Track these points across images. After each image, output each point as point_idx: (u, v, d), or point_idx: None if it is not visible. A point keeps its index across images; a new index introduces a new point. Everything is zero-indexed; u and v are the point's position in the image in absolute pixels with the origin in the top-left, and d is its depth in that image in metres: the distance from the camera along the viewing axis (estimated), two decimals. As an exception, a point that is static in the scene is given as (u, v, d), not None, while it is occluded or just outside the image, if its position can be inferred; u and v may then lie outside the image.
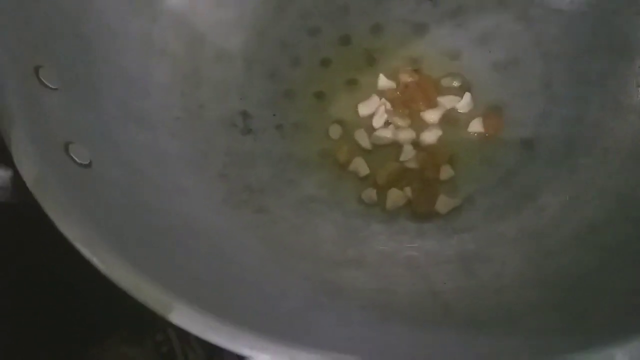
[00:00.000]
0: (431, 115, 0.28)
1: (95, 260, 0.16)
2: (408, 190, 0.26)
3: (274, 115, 0.29)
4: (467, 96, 0.28)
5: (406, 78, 0.29)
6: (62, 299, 0.28)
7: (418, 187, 0.26)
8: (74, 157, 0.20)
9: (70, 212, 0.17)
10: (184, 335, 0.37)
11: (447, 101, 0.28)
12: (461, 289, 0.22)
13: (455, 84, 0.28)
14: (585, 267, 0.21)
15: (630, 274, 0.20)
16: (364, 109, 0.29)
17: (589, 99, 0.26)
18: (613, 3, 0.27)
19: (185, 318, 0.15)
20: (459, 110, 0.28)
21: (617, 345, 0.14)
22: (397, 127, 0.28)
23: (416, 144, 0.28)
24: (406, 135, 0.28)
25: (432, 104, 0.28)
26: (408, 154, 0.27)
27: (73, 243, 0.16)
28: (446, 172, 0.27)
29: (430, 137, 0.28)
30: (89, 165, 0.21)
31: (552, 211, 0.24)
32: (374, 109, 0.28)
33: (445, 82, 0.29)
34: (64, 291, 0.28)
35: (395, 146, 0.28)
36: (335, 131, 0.28)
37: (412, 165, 0.27)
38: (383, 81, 0.29)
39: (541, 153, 0.26)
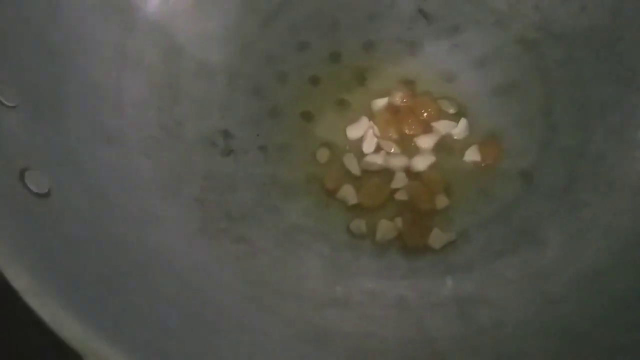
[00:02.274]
0: (425, 141, 0.26)
1: (42, 314, 0.14)
2: (399, 221, 0.25)
3: (257, 135, 0.27)
4: (463, 122, 0.26)
5: (399, 100, 0.27)
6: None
7: (410, 218, 0.25)
8: (30, 186, 0.18)
9: (20, 259, 0.15)
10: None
11: (442, 126, 0.27)
12: (458, 336, 0.21)
13: (451, 109, 0.27)
14: (589, 317, 0.19)
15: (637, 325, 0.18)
16: (353, 132, 0.27)
17: (591, 130, 0.25)
18: (618, 30, 0.26)
19: None
20: (454, 137, 0.26)
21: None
22: (388, 153, 0.26)
23: (409, 171, 0.26)
24: (398, 162, 0.26)
25: (426, 129, 0.27)
26: (400, 181, 0.26)
27: (21, 295, 0.14)
28: (441, 202, 0.25)
29: (423, 163, 0.26)
30: (46, 195, 0.18)
31: (553, 250, 0.23)
32: (363, 132, 0.27)
33: (440, 105, 0.27)
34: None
35: (387, 173, 0.26)
36: (322, 155, 0.26)
37: (403, 195, 0.25)
38: (376, 104, 0.27)
39: (541, 186, 0.25)
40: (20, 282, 0.14)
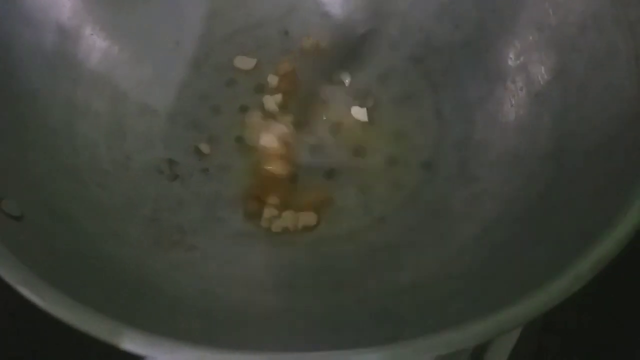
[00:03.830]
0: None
1: (35, 299, 0.17)
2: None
3: (199, 160, 0.31)
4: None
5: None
6: None
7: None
8: (5, 210, 0.21)
9: (7, 260, 0.18)
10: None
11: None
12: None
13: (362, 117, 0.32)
14: (480, 260, 0.24)
15: (512, 265, 0.23)
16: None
17: (473, 121, 0.30)
18: (484, 39, 0.32)
19: (136, 342, 0.17)
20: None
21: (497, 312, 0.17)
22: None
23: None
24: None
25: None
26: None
27: (15, 287, 0.17)
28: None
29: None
30: (20, 218, 0.22)
31: (454, 221, 0.27)
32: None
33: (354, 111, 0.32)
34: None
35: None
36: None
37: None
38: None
39: (439, 172, 0.30)
40: (11, 277, 0.18)
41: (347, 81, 0.33)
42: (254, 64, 0.34)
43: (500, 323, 0.17)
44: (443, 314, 0.22)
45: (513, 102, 0.29)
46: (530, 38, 0.30)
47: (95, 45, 0.31)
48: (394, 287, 0.25)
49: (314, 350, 0.16)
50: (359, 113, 0.32)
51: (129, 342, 0.17)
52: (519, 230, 0.25)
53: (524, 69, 0.30)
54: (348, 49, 0.34)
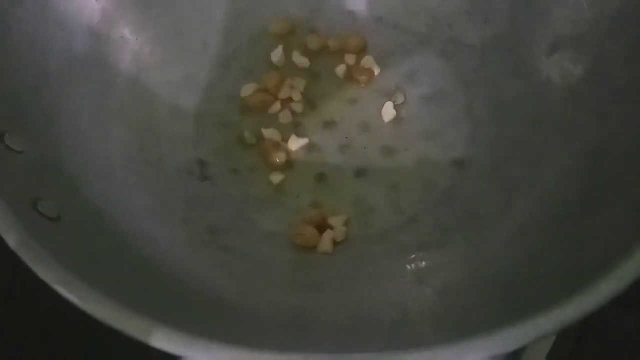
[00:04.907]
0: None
1: (72, 298, 0.17)
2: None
3: (228, 160, 0.31)
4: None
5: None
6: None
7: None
8: (42, 212, 0.22)
9: (45, 261, 0.19)
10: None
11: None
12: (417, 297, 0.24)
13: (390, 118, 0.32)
14: (516, 262, 0.23)
15: (550, 266, 0.22)
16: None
17: (506, 118, 0.30)
18: (517, 34, 0.31)
19: (165, 340, 0.17)
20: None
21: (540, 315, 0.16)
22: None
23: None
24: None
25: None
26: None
27: (52, 286, 0.18)
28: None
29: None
30: (57, 219, 0.22)
31: (488, 219, 0.27)
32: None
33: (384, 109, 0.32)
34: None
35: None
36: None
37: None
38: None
39: (472, 170, 0.29)
40: (48, 277, 0.18)
41: (376, 74, 0.33)
42: (283, 63, 0.34)
43: (538, 328, 0.17)
44: (476, 319, 0.21)
45: (548, 99, 0.29)
46: (565, 32, 0.29)
47: (126, 48, 0.32)
48: (427, 289, 0.25)
49: (353, 352, 0.16)
50: (389, 111, 0.32)
51: (165, 342, 0.17)
52: (556, 230, 0.24)
53: (559, 65, 0.29)
54: (376, 47, 0.34)
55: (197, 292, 0.24)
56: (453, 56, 0.32)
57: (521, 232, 0.25)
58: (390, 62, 0.33)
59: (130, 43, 0.32)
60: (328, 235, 0.28)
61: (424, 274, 0.26)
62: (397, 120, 0.32)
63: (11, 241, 0.19)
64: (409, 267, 0.27)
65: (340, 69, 0.33)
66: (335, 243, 0.28)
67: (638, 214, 0.20)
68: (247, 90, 0.33)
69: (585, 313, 0.17)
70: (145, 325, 0.17)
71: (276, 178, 0.30)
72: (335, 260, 0.28)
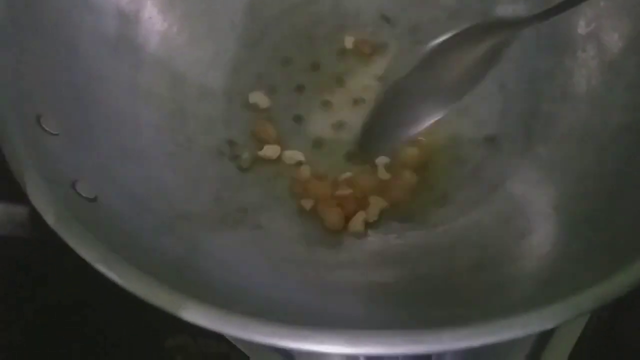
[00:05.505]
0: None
1: (112, 275, 0.18)
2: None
3: (257, 140, 0.31)
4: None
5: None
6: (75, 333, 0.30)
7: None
8: (81, 193, 0.22)
9: (86, 239, 0.19)
10: (191, 358, 0.38)
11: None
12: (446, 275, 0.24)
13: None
14: (555, 238, 0.23)
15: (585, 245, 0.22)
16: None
17: (541, 93, 0.29)
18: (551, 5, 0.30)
19: (195, 314, 0.17)
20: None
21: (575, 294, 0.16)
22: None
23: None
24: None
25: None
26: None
27: (93, 264, 0.18)
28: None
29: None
30: (94, 200, 0.22)
31: (519, 197, 0.27)
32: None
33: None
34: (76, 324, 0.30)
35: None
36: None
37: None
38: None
39: (503, 147, 0.29)
40: (89, 255, 0.18)
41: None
42: (309, 42, 0.33)
43: (578, 305, 0.16)
44: (508, 296, 0.21)
45: (584, 73, 0.28)
46: (602, 3, 0.28)
47: (154, 28, 0.32)
48: (459, 266, 0.25)
49: (395, 327, 0.16)
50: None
51: (201, 318, 0.18)
52: (592, 208, 0.24)
53: (595, 37, 0.28)
54: (406, 21, 0.33)
55: (232, 270, 0.24)
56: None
57: (555, 210, 0.25)
58: (420, 37, 0.33)
59: (158, 23, 0.32)
60: (360, 216, 0.28)
61: (454, 252, 0.26)
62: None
63: (50, 219, 0.20)
64: (437, 243, 0.27)
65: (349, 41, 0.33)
66: (367, 224, 0.28)
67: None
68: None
69: (623, 292, 0.17)
70: (180, 300, 0.17)
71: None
72: (365, 239, 0.28)
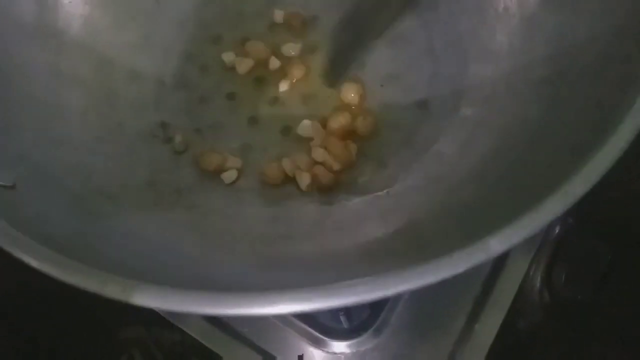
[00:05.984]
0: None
1: (48, 270, 0.17)
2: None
3: (190, 120, 0.30)
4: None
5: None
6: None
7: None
8: (-3, 180, 0.21)
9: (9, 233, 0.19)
10: (146, 348, 0.38)
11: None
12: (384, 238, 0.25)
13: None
14: (478, 193, 0.24)
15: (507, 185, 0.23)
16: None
17: (467, 54, 0.29)
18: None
19: (147, 296, 0.17)
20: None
21: (491, 236, 0.16)
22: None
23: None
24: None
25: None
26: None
27: (19, 257, 0.18)
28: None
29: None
30: (12, 187, 0.22)
31: (450, 157, 0.27)
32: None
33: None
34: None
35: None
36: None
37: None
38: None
39: (434, 110, 0.29)
40: (26, 256, 0.18)
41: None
42: (239, 18, 0.33)
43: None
44: (436, 245, 0.21)
45: (506, 30, 0.28)
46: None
47: (75, 12, 0.31)
48: (393, 230, 0.25)
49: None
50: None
51: (145, 298, 0.17)
52: (514, 159, 0.24)
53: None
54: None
55: (165, 250, 0.24)
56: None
57: (482, 164, 0.25)
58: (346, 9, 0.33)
59: (79, 7, 0.31)
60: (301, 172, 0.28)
61: (388, 213, 0.26)
62: (360, 66, 0.31)
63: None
64: (374, 208, 0.27)
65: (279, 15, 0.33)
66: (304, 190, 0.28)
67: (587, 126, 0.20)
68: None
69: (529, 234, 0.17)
70: (124, 285, 0.17)
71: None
72: (303, 210, 0.28)
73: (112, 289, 0.17)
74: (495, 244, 0.16)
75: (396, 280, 0.16)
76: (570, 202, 0.16)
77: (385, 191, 0.27)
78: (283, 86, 0.31)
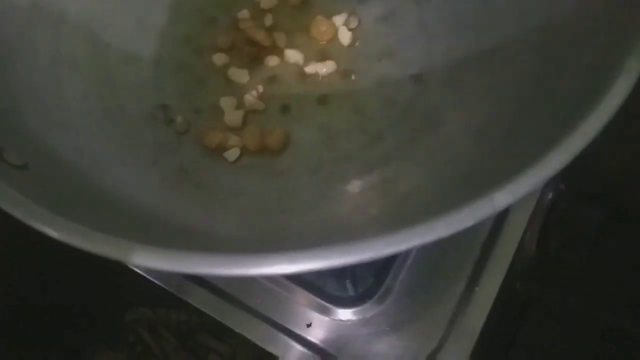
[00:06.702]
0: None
1: (48, 230, 0.18)
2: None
3: (190, 101, 0.31)
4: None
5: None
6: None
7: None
8: (8, 160, 0.22)
9: (21, 202, 0.19)
10: (153, 329, 0.38)
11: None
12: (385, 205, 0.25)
13: (347, 41, 0.32)
14: (478, 159, 0.24)
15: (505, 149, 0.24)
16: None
17: (462, 30, 0.30)
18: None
19: (144, 256, 0.17)
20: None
21: (496, 190, 0.17)
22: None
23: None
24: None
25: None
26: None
27: (34, 226, 0.18)
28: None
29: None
30: (25, 167, 0.22)
31: (449, 126, 0.28)
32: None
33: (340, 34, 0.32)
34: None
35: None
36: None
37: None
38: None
39: (430, 82, 0.30)
40: (27, 217, 0.18)
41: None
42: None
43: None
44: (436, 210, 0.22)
45: (498, 3, 0.29)
46: None
47: (71, -4, 0.31)
48: (396, 199, 0.26)
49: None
50: (344, 36, 0.32)
51: (145, 258, 0.17)
52: (508, 127, 0.25)
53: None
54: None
55: (171, 224, 0.24)
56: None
57: (480, 132, 0.26)
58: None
59: (75, -8, 0.31)
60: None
61: (389, 184, 0.27)
62: (354, 43, 0.32)
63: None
64: (374, 181, 0.28)
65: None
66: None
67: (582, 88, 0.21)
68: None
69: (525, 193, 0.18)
70: (124, 245, 0.17)
71: (238, 115, 0.30)
72: (305, 183, 0.28)
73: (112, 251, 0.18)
74: (501, 198, 0.17)
75: (407, 235, 0.16)
76: (569, 158, 0.17)
77: (384, 164, 0.28)
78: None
